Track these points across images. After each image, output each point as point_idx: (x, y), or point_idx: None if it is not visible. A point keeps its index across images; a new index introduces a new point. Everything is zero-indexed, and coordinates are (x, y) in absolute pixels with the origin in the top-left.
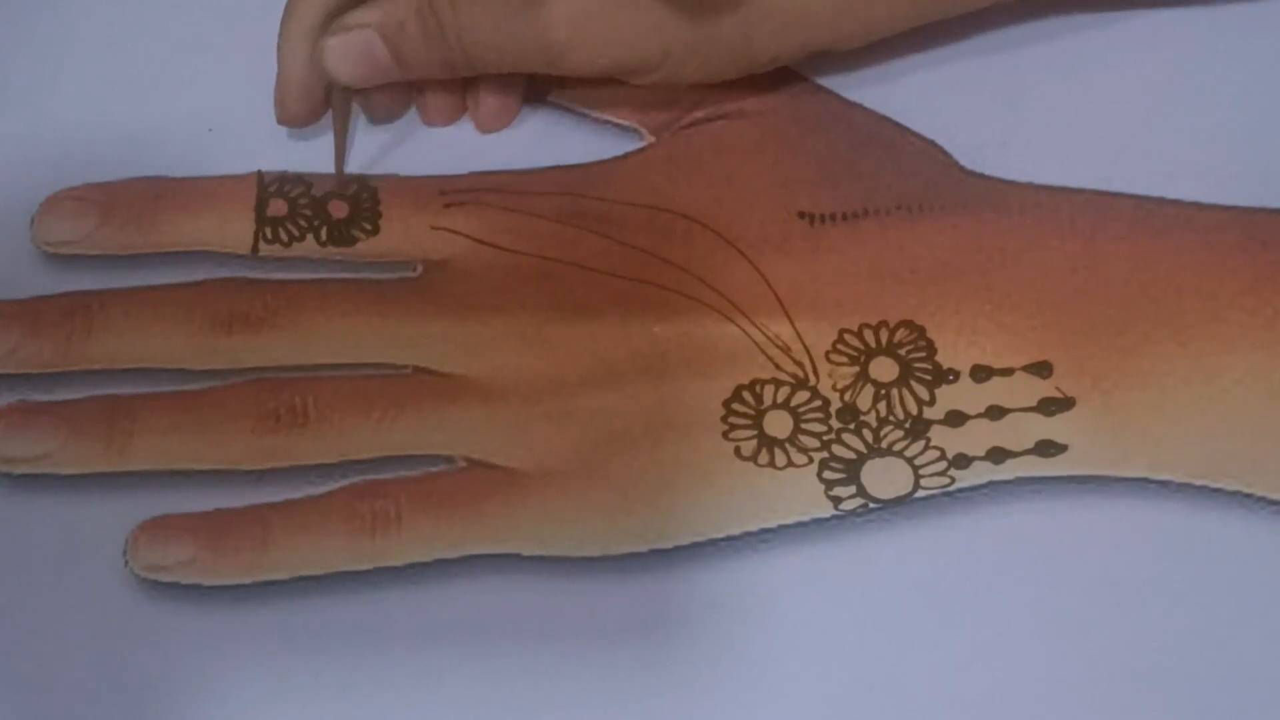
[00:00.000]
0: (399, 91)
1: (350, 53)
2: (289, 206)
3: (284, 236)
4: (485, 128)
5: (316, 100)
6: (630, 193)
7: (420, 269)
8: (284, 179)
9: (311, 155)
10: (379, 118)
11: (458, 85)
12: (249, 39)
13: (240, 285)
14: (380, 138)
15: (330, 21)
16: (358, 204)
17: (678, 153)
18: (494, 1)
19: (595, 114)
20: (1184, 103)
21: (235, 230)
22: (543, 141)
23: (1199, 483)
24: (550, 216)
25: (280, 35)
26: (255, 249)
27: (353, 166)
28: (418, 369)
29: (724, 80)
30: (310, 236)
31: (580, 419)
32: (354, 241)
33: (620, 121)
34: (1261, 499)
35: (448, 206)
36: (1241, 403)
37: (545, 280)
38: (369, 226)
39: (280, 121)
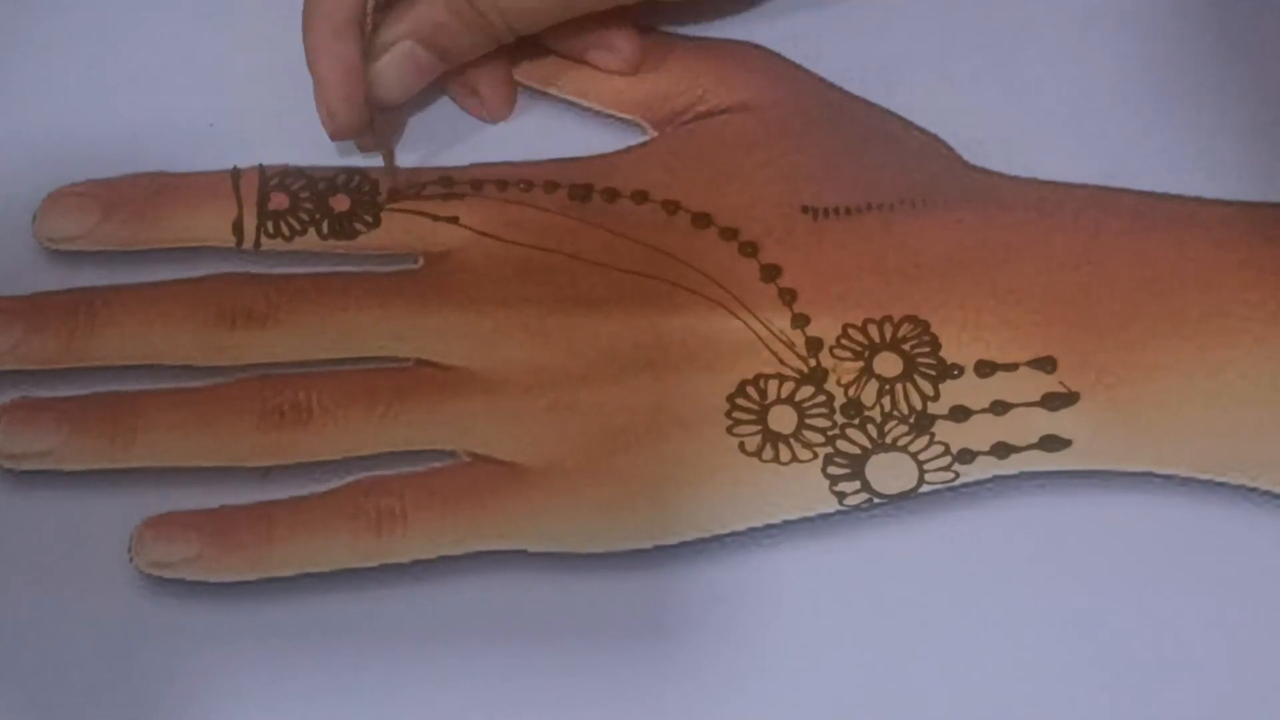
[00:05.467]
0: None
1: (399, 71)
2: (290, 200)
3: (286, 230)
4: (497, 116)
5: (362, 104)
6: (632, 186)
7: (421, 261)
8: (285, 172)
9: (313, 148)
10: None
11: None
12: (249, 33)
13: (243, 280)
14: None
15: (357, 17)
16: (358, 196)
17: (680, 146)
18: None
19: (597, 107)
20: (1186, 97)
21: (238, 225)
22: (544, 134)
23: (1203, 476)
24: (552, 208)
25: (307, 46)
26: (258, 243)
27: (352, 158)
28: (420, 362)
29: None
30: (312, 230)
31: (583, 413)
32: (355, 234)
33: (622, 115)
34: (1266, 493)
35: (448, 198)
36: (1245, 396)
37: (547, 272)
38: (370, 219)
39: (333, 134)
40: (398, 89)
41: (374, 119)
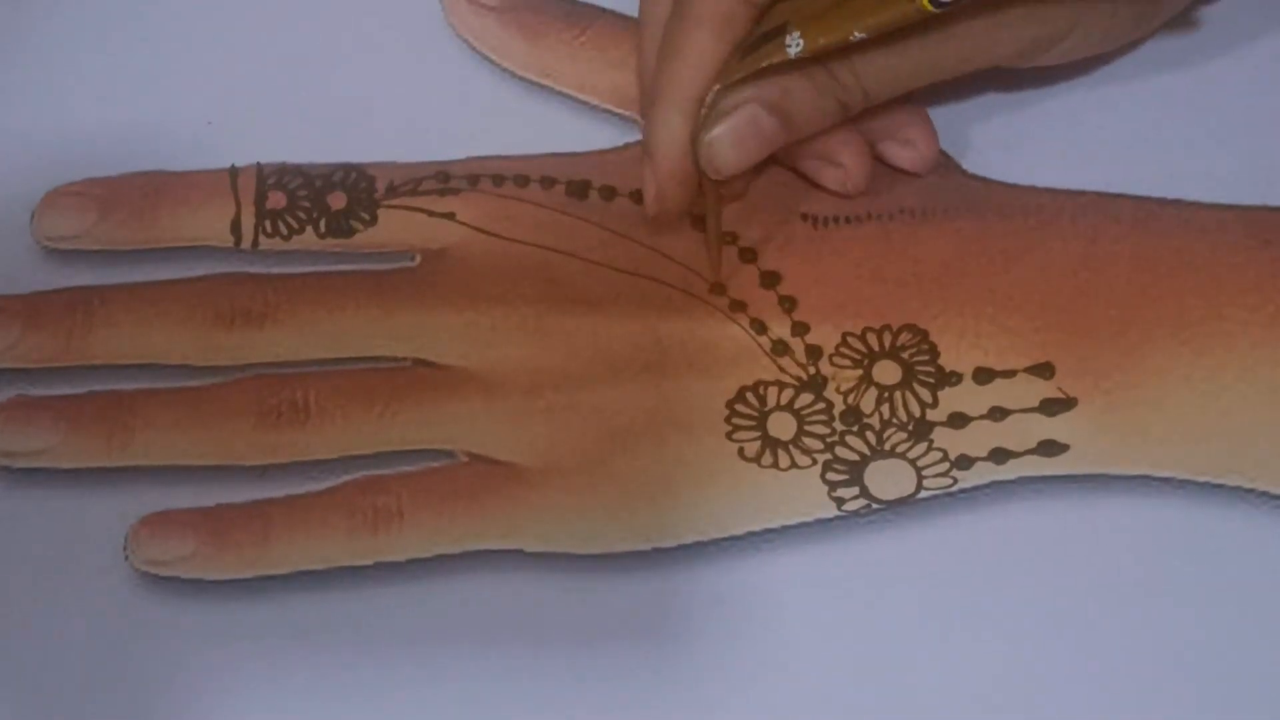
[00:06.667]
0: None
1: (738, 136)
2: (288, 198)
3: (284, 229)
4: (858, 188)
5: (692, 183)
6: (630, 184)
7: (418, 259)
8: (283, 170)
9: (309, 146)
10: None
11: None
12: (247, 32)
13: (240, 280)
14: (375, 124)
15: (706, 94)
16: (355, 193)
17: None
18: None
19: (595, 101)
20: (1184, 102)
21: (236, 224)
22: (541, 128)
23: (1201, 479)
24: (548, 205)
25: (651, 118)
26: (255, 243)
27: (349, 154)
28: (418, 361)
29: (1119, 45)
30: (310, 229)
31: (582, 414)
32: (352, 232)
33: (620, 111)
34: (1264, 495)
35: (444, 193)
36: (1243, 400)
37: (545, 270)
38: (366, 216)
39: (657, 213)
40: (734, 157)
41: (706, 201)
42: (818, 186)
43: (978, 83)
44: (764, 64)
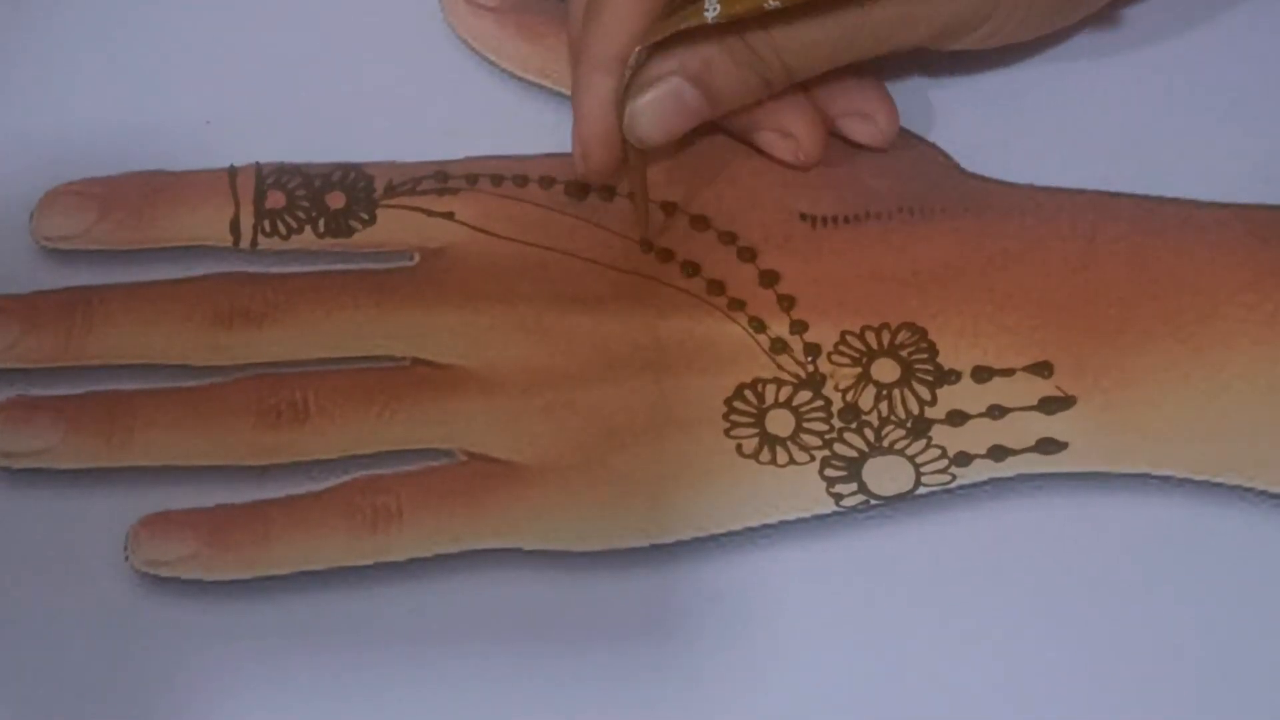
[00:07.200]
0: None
1: (661, 109)
2: (287, 198)
3: (282, 229)
4: (811, 159)
5: (617, 145)
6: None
7: (417, 258)
8: (281, 170)
9: (309, 146)
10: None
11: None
12: (246, 32)
13: (240, 280)
14: (374, 124)
15: (630, 52)
16: (354, 192)
17: (677, 148)
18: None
19: None
20: (1183, 101)
21: (234, 224)
22: (540, 128)
23: (1199, 477)
24: (547, 205)
25: (575, 79)
26: (254, 242)
27: (348, 154)
28: (417, 360)
29: (1038, 35)
30: (309, 228)
31: (580, 412)
32: (351, 232)
33: None
34: (1263, 493)
35: (443, 193)
36: (1242, 398)
37: (544, 270)
38: (365, 216)
39: (584, 175)
40: (658, 129)
41: (630, 161)
42: (815, 185)
43: (976, 80)
44: (682, 26)
